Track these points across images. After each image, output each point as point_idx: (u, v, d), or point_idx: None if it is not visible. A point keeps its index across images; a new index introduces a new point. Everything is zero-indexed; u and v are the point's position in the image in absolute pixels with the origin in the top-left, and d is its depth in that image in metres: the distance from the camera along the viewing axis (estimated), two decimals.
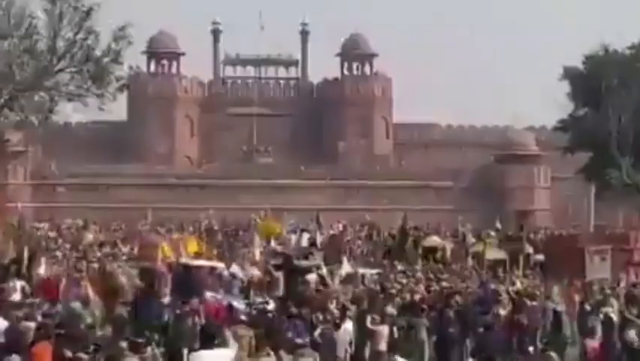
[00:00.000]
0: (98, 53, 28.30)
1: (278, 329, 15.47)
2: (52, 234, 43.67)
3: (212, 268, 22.63)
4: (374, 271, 26.25)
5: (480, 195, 72.14)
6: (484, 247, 32.71)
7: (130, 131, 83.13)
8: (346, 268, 25.04)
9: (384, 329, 17.34)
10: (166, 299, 18.76)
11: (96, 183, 72.91)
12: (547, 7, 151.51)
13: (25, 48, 28.24)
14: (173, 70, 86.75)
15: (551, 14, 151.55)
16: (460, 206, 67.76)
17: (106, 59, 28.30)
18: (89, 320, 15.91)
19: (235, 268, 24.16)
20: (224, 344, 11.54)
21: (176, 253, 22.78)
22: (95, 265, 24.31)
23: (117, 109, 52.31)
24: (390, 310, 18.74)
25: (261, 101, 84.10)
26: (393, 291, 21.51)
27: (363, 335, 17.36)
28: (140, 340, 13.25)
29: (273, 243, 32.75)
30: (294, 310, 17.45)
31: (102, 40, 28.37)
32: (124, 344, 12.77)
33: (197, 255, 23.68)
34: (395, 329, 17.64)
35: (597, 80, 48.11)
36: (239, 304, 19.43)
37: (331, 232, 42.69)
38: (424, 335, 17.93)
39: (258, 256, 28.22)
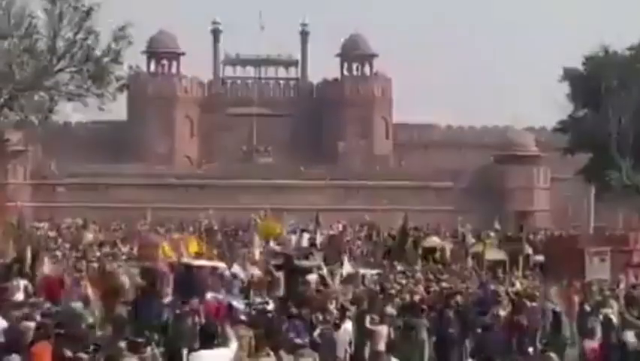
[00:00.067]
0: (98, 52, 28.30)
1: (278, 329, 15.48)
2: (51, 233, 43.67)
3: (214, 268, 22.62)
4: (374, 272, 26.25)
5: (480, 196, 72.17)
6: (483, 248, 32.71)
7: (130, 131, 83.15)
8: (347, 268, 25.05)
9: (384, 330, 17.35)
10: (168, 299, 18.77)
11: (96, 182, 72.93)
12: (547, 8, 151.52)
13: (25, 48, 28.23)
14: (173, 70, 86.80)
15: (551, 15, 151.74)
16: (459, 206, 67.82)
17: (106, 59, 28.29)
18: (90, 320, 15.92)
19: (236, 268, 24.16)
20: (225, 341, 11.52)
21: (177, 253, 22.78)
22: (95, 265, 24.33)
23: (117, 109, 52.45)
24: (390, 310, 18.75)
25: (260, 101, 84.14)
26: (393, 291, 21.52)
27: (363, 335, 17.37)
28: (139, 340, 13.25)
29: (272, 243, 32.74)
30: (294, 310, 17.46)
31: (102, 40, 28.41)
32: (123, 344, 12.78)
33: (198, 255, 23.66)
34: (392, 329, 17.64)
35: (597, 81, 48.11)
36: (238, 304, 19.44)
37: (331, 232, 42.72)
38: (424, 335, 17.92)
39: (257, 256, 28.22)
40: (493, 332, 17.69)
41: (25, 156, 71.27)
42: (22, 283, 20.13)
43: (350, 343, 17.04)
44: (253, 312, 18.30)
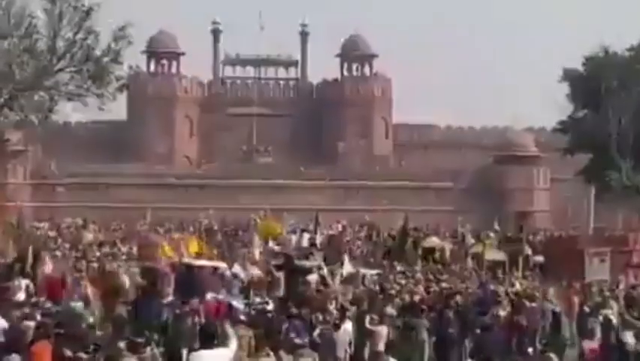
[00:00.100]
0: (97, 52, 28.29)
1: (277, 329, 15.49)
2: (51, 233, 43.66)
3: (215, 268, 22.63)
4: (374, 272, 26.25)
5: (479, 196, 72.15)
6: (483, 248, 32.70)
7: (129, 130, 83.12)
8: (348, 268, 25.05)
9: (383, 330, 17.36)
10: (169, 299, 18.77)
11: (96, 182, 72.88)
12: (547, 8, 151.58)
13: (25, 48, 28.22)
14: (173, 70, 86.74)
15: (551, 15, 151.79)
16: (459, 207, 67.80)
17: (106, 59, 28.28)
18: (90, 320, 15.92)
19: (237, 268, 24.15)
20: (224, 339, 11.51)
21: (177, 253, 22.79)
22: (95, 265, 24.33)
23: (117, 109, 52.44)
24: (390, 310, 18.75)
25: (260, 101, 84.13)
26: (393, 292, 21.53)
27: (363, 335, 17.38)
28: (139, 340, 13.25)
29: (270, 243, 32.73)
30: (293, 310, 17.47)
31: (102, 40, 28.39)
32: (122, 344, 12.78)
33: (198, 255, 23.68)
34: (391, 329, 17.65)
35: (597, 82, 48.14)
36: (238, 304, 19.44)
37: (330, 232, 42.71)
38: (424, 335, 17.93)
39: (258, 256, 28.21)
40: (492, 332, 17.70)
41: (25, 155, 71.22)
42: (24, 282, 20.14)
43: (350, 343, 17.05)
44: (253, 312, 18.31)
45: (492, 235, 39.65)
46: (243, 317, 17.27)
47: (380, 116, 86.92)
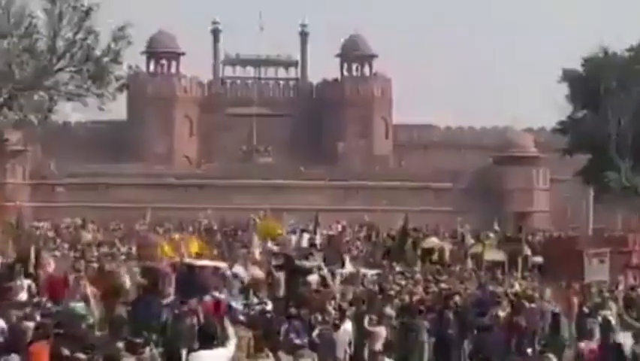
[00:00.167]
0: (97, 52, 28.25)
1: (276, 329, 15.49)
2: (51, 233, 43.67)
3: (216, 268, 22.61)
4: (374, 272, 26.25)
5: (479, 197, 72.17)
6: (482, 249, 32.70)
7: (129, 130, 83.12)
8: (348, 268, 25.04)
9: (382, 330, 17.35)
10: (170, 299, 18.76)
11: (95, 182, 72.89)
12: (547, 9, 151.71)
13: (25, 47, 28.19)
14: (173, 70, 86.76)
15: (551, 16, 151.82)
16: (458, 207, 67.84)
17: (105, 59, 28.25)
18: (90, 320, 15.92)
19: (238, 268, 24.14)
20: (225, 337, 11.49)
21: (178, 253, 22.78)
22: (95, 265, 24.30)
23: (117, 109, 52.42)
24: (389, 311, 18.75)
25: (260, 101, 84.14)
26: (392, 292, 21.51)
27: (362, 335, 17.38)
28: (137, 340, 13.23)
29: (269, 243, 32.70)
30: (293, 310, 17.46)
31: (102, 40, 28.34)
32: (121, 345, 12.77)
33: (199, 255, 23.66)
34: (389, 330, 17.66)
35: (596, 83, 48.13)
36: (237, 304, 19.42)
37: (330, 232, 42.70)
38: (423, 336, 17.93)
39: (258, 256, 28.20)
40: (492, 333, 17.71)
41: (25, 155, 71.22)
42: (26, 282, 20.13)
43: (349, 343, 17.05)
44: (252, 313, 18.30)
45: (491, 235, 39.64)
46: (242, 318, 17.25)
47: (380, 117, 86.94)
